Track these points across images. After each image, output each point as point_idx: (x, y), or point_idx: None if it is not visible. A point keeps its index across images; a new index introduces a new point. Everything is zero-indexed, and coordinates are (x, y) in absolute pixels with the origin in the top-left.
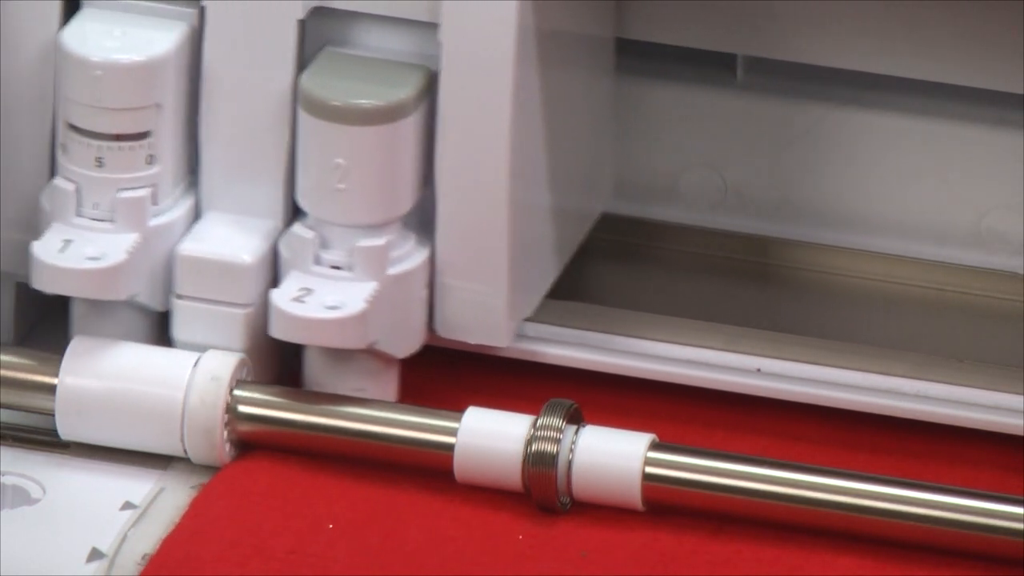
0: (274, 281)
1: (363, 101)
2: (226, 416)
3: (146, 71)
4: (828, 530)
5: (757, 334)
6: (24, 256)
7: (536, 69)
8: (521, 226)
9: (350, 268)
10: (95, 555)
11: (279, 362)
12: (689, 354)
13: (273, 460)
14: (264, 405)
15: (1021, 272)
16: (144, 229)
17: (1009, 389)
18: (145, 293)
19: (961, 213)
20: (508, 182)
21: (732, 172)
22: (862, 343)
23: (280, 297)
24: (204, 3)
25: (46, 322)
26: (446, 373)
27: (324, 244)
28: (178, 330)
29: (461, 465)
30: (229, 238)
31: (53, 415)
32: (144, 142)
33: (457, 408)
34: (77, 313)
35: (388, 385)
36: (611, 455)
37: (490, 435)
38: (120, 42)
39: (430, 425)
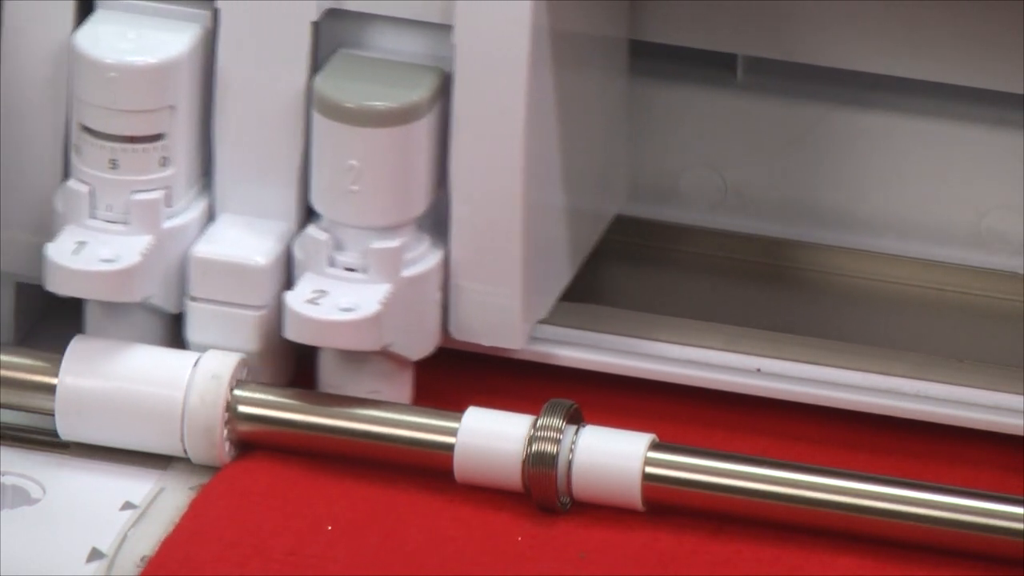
0: (288, 283)
1: (377, 103)
2: (226, 416)
3: (160, 73)
4: (828, 530)
5: (757, 334)
6: (29, 257)
7: (550, 70)
8: (535, 228)
9: (364, 270)
10: (95, 555)
11: (293, 364)
12: (689, 354)
13: (273, 460)
14: (264, 405)
15: (1021, 272)
16: (158, 231)
17: (1009, 389)
18: (159, 295)
19: (961, 213)
20: (522, 184)
21: (732, 172)
22: (862, 343)
23: (294, 299)
24: (218, 5)
25: (46, 322)
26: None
27: (338, 246)
28: (192, 332)
29: (461, 465)
30: (243, 240)
31: (53, 415)
32: (158, 144)
33: None
34: (91, 315)
35: (402, 387)
36: (611, 455)
37: (490, 435)
38: (134, 44)
39: (430, 425)
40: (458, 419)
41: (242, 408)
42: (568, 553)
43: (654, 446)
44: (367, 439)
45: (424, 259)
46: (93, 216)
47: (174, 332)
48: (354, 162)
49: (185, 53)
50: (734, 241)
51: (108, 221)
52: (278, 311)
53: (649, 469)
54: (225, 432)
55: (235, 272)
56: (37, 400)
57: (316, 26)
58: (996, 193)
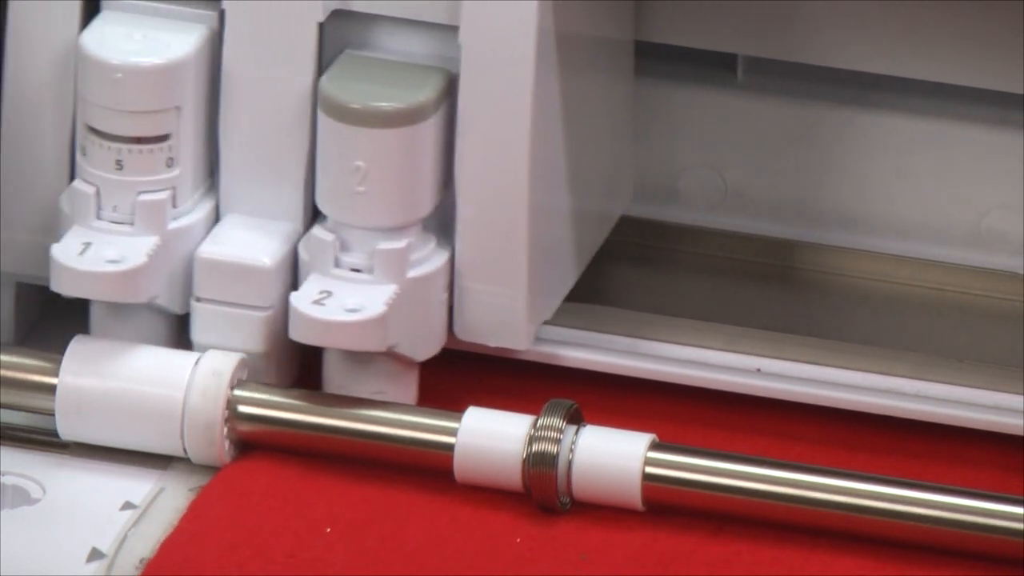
0: (294, 284)
1: (383, 104)
2: (226, 416)
3: (166, 74)
4: (828, 530)
5: (757, 334)
6: (34, 257)
7: (556, 72)
8: (541, 229)
9: (370, 271)
10: (95, 555)
11: (298, 365)
12: (689, 354)
13: (272, 461)
14: (264, 405)
15: (1021, 272)
16: (164, 232)
17: (1009, 389)
18: (164, 296)
19: (961, 213)
20: (528, 185)
21: (732, 172)
22: (862, 343)
23: (300, 300)
24: (224, 6)
25: (46, 322)
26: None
27: (344, 247)
28: (197, 333)
29: (461, 465)
30: (249, 241)
31: (53, 415)
32: (164, 145)
33: None
34: (96, 316)
35: (407, 388)
36: (611, 455)
37: (490, 435)
38: (140, 45)
39: (430, 425)
40: (458, 419)
41: (242, 408)
42: (568, 554)
43: (654, 446)
44: (367, 439)
45: (430, 260)
46: (99, 217)
47: (180, 333)
48: (360, 163)
49: (191, 54)
50: (734, 241)
51: (114, 222)
52: (284, 312)
53: (649, 469)
54: (225, 432)
55: (241, 273)
56: (37, 400)
57: (322, 27)
58: (996, 193)
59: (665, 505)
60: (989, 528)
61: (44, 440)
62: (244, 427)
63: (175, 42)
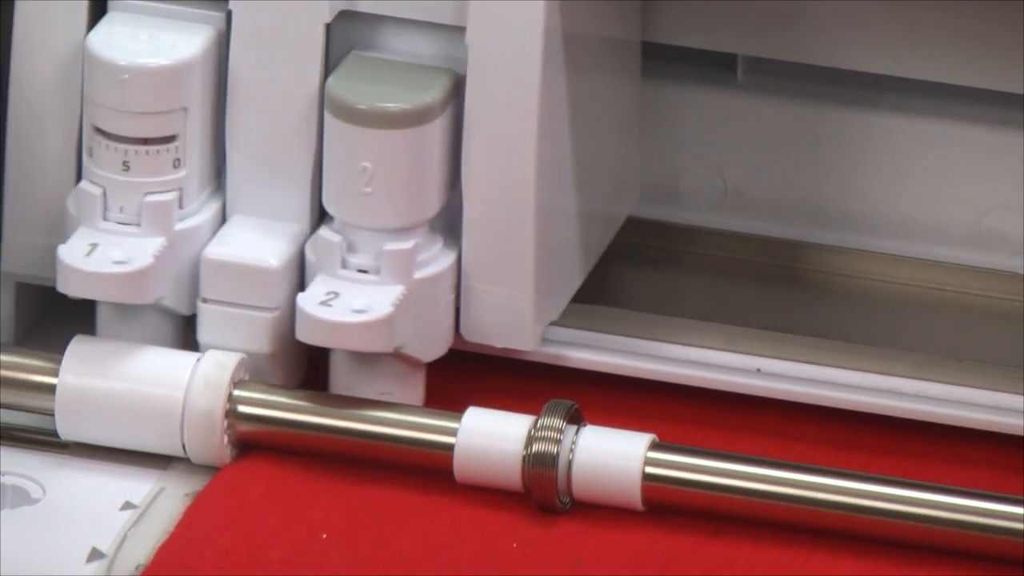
0: (300, 285)
1: (390, 104)
2: (226, 416)
3: (173, 75)
4: (828, 530)
5: (757, 334)
6: (40, 258)
7: (563, 72)
8: (547, 230)
9: (377, 272)
10: (95, 555)
11: (305, 366)
12: (689, 354)
13: (270, 463)
14: (264, 405)
15: (1021, 272)
16: (170, 233)
17: (1009, 389)
18: (171, 297)
19: (961, 213)
20: (535, 186)
21: (732, 172)
22: (862, 343)
23: (307, 301)
24: (231, 6)
25: (46, 322)
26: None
27: (351, 248)
28: (204, 334)
29: (461, 465)
30: (255, 242)
31: (53, 415)
32: (170, 146)
33: None
34: (103, 317)
35: (414, 389)
36: (611, 455)
37: (490, 435)
38: (147, 45)
39: (430, 425)
40: (458, 419)
41: (242, 408)
42: (564, 559)
43: (654, 446)
44: (367, 439)
45: (437, 261)
46: (106, 218)
47: (186, 334)
48: (367, 164)
49: (198, 55)
50: (734, 241)
51: (120, 223)
52: (290, 313)
53: (649, 469)
54: (225, 432)
55: (247, 274)
56: (37, 400)
57: (329, 28)
58: (996, 193)
59: (665, 505)
60: (989, 528)
61: (44, 440)
62: (244, 427)
63: (182, 43)
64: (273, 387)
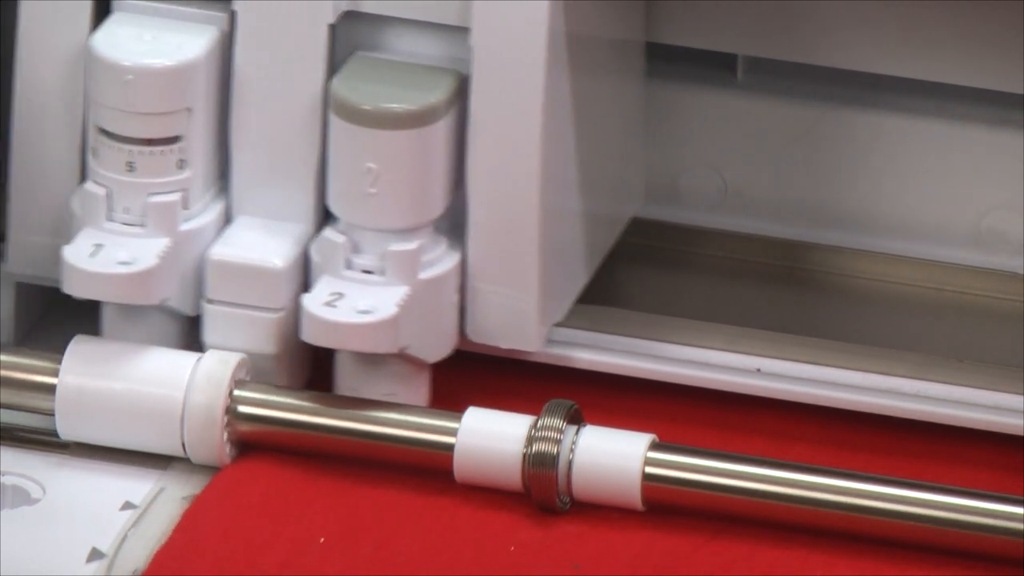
0: (305, 285)
1: (394, 105)
2: (226, 416)
3: (177, 75)
4: (828, 530)
5: (757, 334)
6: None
7: (567, 73)
8: (552, 230)
9: (381, 272)
10: (95, 555)
11: (310, 366)
12: (689, 354)
13: (268, 464)
14: (264, 405)
15: (1021, 272)
16: (175, 233)
17: (1009, 389)
18: (176, 298)
19: (961, 213)
20: (539, 186)
21: (732, 172)
22: (862, 343)
23: (312, 301)
24: (235, 7)
25: (46, 322)
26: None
27: (355, 248)
28: (209, 334)
29: (461, 465)
30: (260, 242)
31: (53, 415)
32: (175, 146)
33: None
34: (108, 318)
35: (419, 390)
36: (611, 455)
37: (490, 435)
38: (151, 46)
39: (430, 425)
40: (458, 419)
41: (242, 408)
42: (563, 562)
43: (654, 446)
44: (367, 439)
45: (441, 261)
46: (110, 219)
47: (191, 335)
48: (371, 165)
49: (202, 55)
50: (734, 241)
51: (125, 224)
52: (295, 314)
53: (649, 469)
54: (225, 432)
55: (252, 274)
56: (37, 400)
57: (333, 28)
58: (996, 193)
59: (665, 505)
60: (989, 528)
61: (44, 440)
62: (244, 427)
63: (186, 43)
64: (273, 387)
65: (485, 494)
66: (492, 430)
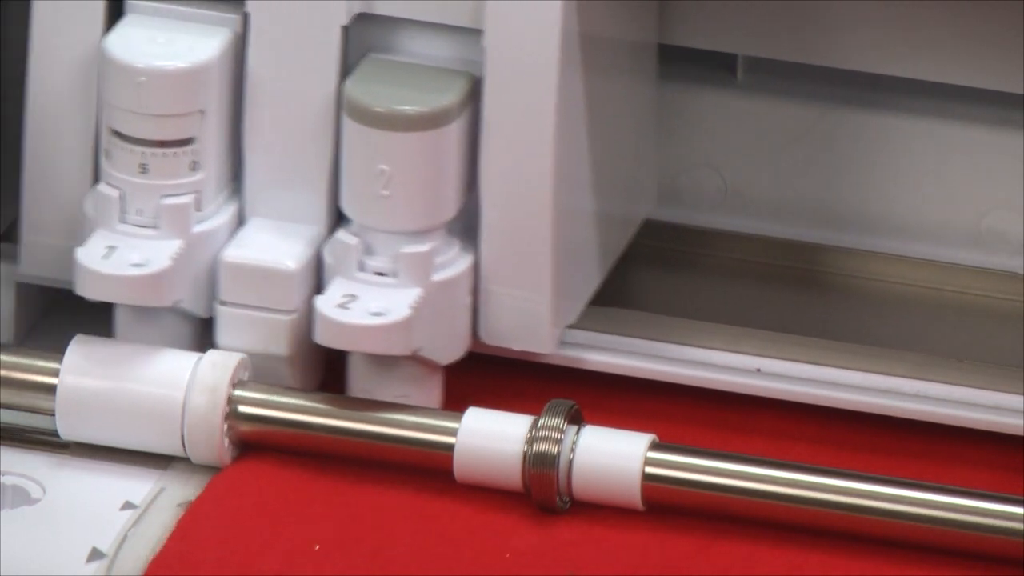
0: (318, 287)
1: (407, 107)
2: (226, 416)
3: (190, 77)
4: (828, 530)
5: (757, 334)
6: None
7: (580, 74)
8: (565, 232)
9: (394, 274)
10: (95, 555)
11: (323, 368)
12: (689, 354)
13: (265, 468)
14: (264, 405)
15: (1021, 272)
16: (188, 235)
17: (1009, 389)
18: (189, 299)
19: (961, 213)
20: (552, 188)
21: (732, 173)
22: (862, 343)
23: (325, 303)
24: (248, 9)
25: (46, 322)
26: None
27: (368, 250)
28: (222, 336)
29: (461, 465)
30: (273, 244)
31: (53, 415)
32: (188, 148)
33: None
34: (120, 319)
35: (432, 392)
36: (611, 455)
37: (490, 435)
38: (164, 48)
39: (430, 425)
40: (458, 419)
41: (242, 408)
42: (563, 563)
43: (654, 446)
44: (367, 439)
45: (454, 263)
46: (123, 220)
47: (204, 336)
48: (384, 167)
49: (215, 57)
50: (734, 241)
51: (138, 225)
52: (308, 315)
53: (649, 469)
54: (225, 432)
55: (265, 276)
56: (37, 400)
57: (346, 30)
58: (996, 193)
59: (665, 505)
60: (989, 528)
61: (44, 440)
62: (244, 427)
63: (199, 45)
64: (273, 387)
65: (485, 494)
66: (492, 430)
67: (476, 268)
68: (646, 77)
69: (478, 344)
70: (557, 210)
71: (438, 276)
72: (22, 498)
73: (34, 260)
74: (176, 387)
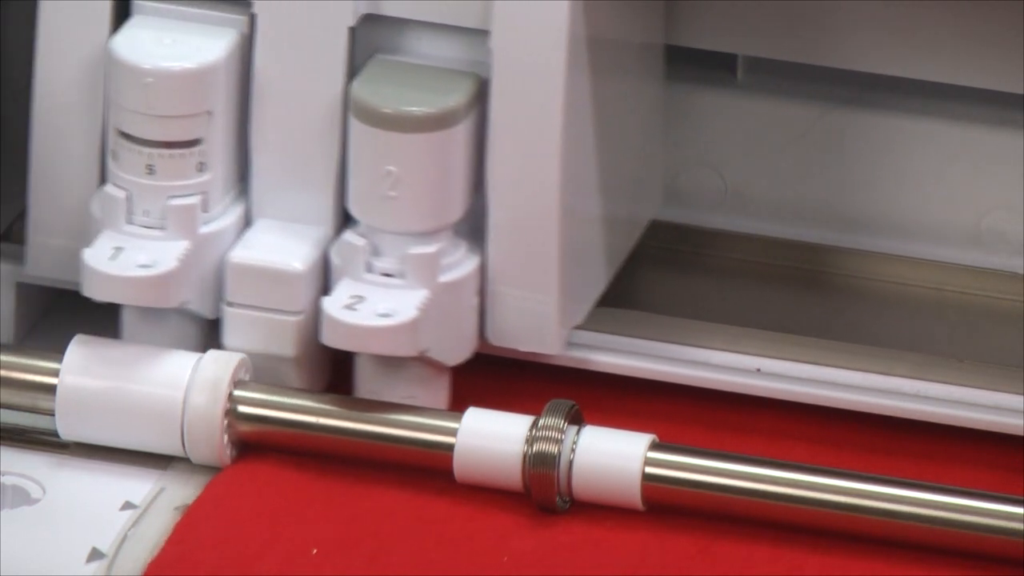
0: (325, 288)
1: (414, 108)
2: (226, 416)
3: (197, 78)
4: (828, 530)
5: (757, 334)
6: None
7: (587, 76)
8: (572, 233)
9: (401, 275)
10: (95, 555)
11: (330, 369)
12: (689, 354)
13: (265, 469)
14: (264, 405)
15: (1021, 272)
16: (195, 236)
17: (1009, 389)
18: (195, 300)
19: (961, 213)
20: (559, 189)
21: (732, 173)
22: (862, 343)
23: (332, 305)
24: (254, 10)
25: (46, 322)
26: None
27: (375, 251)
28: (228, 337)
29: (461, 465)
30: (280, 245)
31: (53, 415)
32: (195, 149)
33: None
34: (127, 320)
35: (439, 393)
36: (611, 455)
37: (490, 435)
38: (171, 49)
39: (430, 425)
40: (458, 419)
41: (242, 408)
42: (562, 564)
43: (654, 446)
44: (367, 439)
45: (461, 265)
46: (130, 221)
47: (211, 337)
48: (391, 168)
49: (222, 58)
50: (734, 241)
51: (145, 227)
52: (315, 317)
53: (649, 469)
54: (225, 432)
55: (272, 277)
56: (37, 400)
57: (353, 31)
58: (996, 193)
59: (665, 505)
60: (989, 528)
61: (44, 440)
62: (244, 427)
63: (206, 46)
64: (273, 387)
65: (485, 494)
66: (492, 430)
67: (483, 269)
68: (652, 78)
69: (485, 345)
70: (564, 211)
71: (445, 277)
72: (22, 498)
73: (40, 261)
74: (176, 387)
